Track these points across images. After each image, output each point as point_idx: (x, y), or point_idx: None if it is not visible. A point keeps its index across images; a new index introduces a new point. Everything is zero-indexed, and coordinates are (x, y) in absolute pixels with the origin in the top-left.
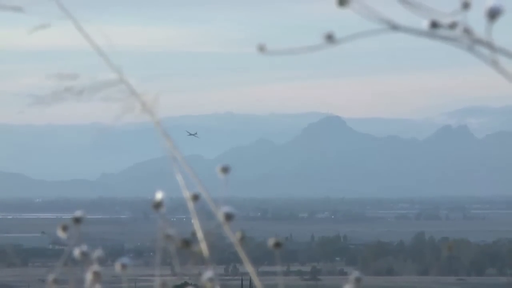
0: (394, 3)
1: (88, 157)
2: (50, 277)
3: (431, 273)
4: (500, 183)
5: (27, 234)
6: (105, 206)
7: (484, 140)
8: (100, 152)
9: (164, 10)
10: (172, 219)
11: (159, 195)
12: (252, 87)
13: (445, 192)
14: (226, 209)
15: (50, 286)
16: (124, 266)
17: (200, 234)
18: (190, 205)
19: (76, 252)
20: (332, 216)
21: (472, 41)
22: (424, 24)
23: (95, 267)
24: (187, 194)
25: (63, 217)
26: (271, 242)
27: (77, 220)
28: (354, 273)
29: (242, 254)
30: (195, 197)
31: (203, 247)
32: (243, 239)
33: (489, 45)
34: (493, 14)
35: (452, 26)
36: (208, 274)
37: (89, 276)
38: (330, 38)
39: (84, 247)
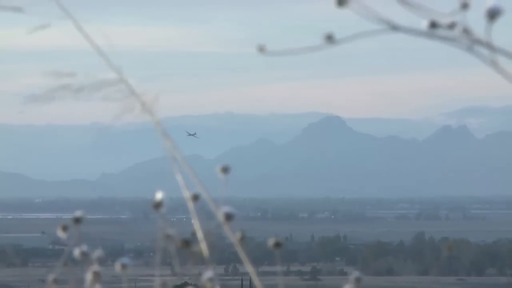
0: (393, 3)
1: (88, 157)
2: (50, 277)
3: (431, 273)
4: (500, 183)
5: (27, 234)
6: (105, 206)
7: (484, 140)
8: (100, 152)
9: (164, 10)
10: (172, 219)
11: (159, 195)
12: (252, 87)
13: (445, 192)
14: (226, 209)
15: (50, 286)
16: (124, 266)
17: (200, 234)
18: (190, 205)
19: (76, 252)
20: (332, 216)
21: (471, 41)
22: (423, 24)
23: (95, 267)
24: (187, 194)
25: (63, 217)
26: (271, 242)
27: (77, 220)
28: (354, 273)
29: (242, 254)
30: (195, 197)
31: (203, 247)
32: (243, 239)
33: (489, 46)
34: (493, 14)
35: (451, 26)
36: (208, 274)
37: (89, 276)
38: (330, 38)
39: (84, 247)
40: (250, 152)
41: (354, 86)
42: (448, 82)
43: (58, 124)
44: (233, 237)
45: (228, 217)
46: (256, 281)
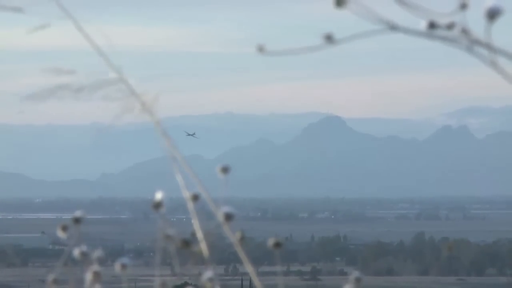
0: (392, 3)
1: (88, 157)
2: (50, 277)
3: (431, 273)
4: (500, 183)
5: (27, 234)
6: (105, 206)
7: (484, 140)
8: (100, 152)
9: (164, 10)
10: (172, 219)
11: (159, 195)
12: (252, 87)
13: (445, 192)
14: (226, 209)
15: (50, 286)
16: (124, 266)
17: (200, 234)
18: (190, 205)
19: (76, 252)
20: (332, 216)
21: (470, 42)
22: (422, 24)
23: (95, 267)
24: (187, 194)
25: (63, 217)
26: (271, 242)
27: (77, 220)
28: (354, 273)
29: (242, 254)
30: (195, 197)
31: (203, 247)
32: (243, 239)
33: (488, 46)
34: (493, 14)
35: (450, 26)
36: (208, 274)
37: (89, 276)
38: (329, 38)
39: (84, 247)
40: (250, 152)
41: (354, 86)
42: (448, 82)
43: (58, 124)
44: (233, 237)
45: (228, 217)
46: (256, 281)
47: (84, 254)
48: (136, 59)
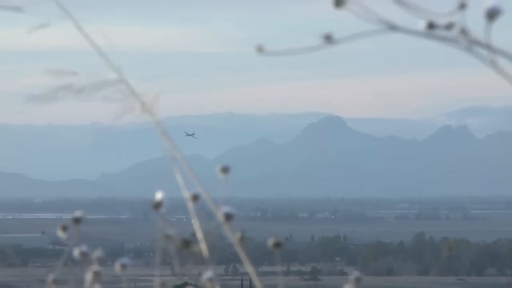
0: (391, 3)
1: (88, 157)
2: (50, 277)
3: (431, 273)
4: (500, 183)
5: (27, 234)
6: (105, 206)
7: (484, 140)
8: (100, 152)
9: (164, 10)
10: (172, 219)
11: (159, 195)
12: (252, 87)
13: (445, 192)
14: (226, 209)
15: (50, 286)
16: (124, 266)
17: (200, 234)
18: (190, 205)
19: (76, 252)
20: (332, 216)
21: (469, 42)
22: (421, 24)
23: (95, 267)
24: (187, 194)
25: (63, 217)
26: (271, 242)
27: (77, 220)
28: (354, 273)
29: (242, 254)
30: (195, 197)
31: (203, 247)
32: (243, 239)
33: (487, 46)
34: (492, 14)
35: (449, 26)
36: (208, 274)
37: (89, 276)
38: (329, 38)
39: (84, 247)
40: (250, 152)
41: (354, 86)
42: (448, 82)
43: (58, 124)
44: (233, 237)
45: (228, 217)
46: (256, 281)
47: (84, 254)
48: (136, 59)
